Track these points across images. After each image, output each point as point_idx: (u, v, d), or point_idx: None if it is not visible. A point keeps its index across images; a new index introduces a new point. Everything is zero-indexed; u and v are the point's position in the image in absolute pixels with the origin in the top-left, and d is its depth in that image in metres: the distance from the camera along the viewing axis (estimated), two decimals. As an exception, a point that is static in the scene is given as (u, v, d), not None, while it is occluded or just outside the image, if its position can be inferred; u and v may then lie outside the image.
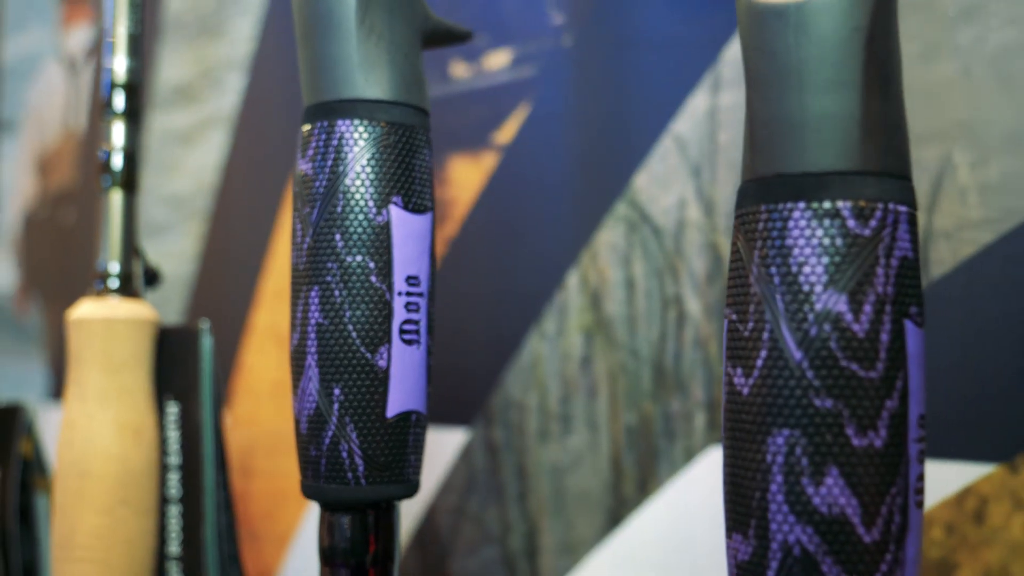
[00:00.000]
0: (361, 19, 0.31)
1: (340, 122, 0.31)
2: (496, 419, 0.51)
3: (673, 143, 0.45)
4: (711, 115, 0.44)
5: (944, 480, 0.38)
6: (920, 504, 0.23)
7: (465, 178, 0.53)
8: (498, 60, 0.52)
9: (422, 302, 0.32)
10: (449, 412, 0.53)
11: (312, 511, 0.59)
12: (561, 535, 0.48)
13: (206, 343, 0.43)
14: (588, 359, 0.47)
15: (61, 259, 0.80)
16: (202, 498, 0.42)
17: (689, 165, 0.45)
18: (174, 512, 0.42)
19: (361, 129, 0.31)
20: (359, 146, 0.31)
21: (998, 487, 0.37)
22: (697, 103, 0.44)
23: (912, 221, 0.23)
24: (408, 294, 0.31)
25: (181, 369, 0.43)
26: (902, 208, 0.23)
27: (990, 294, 0.37)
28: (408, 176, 0.32)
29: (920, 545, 0.23)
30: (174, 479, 0.42)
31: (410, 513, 0.54)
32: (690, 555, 0.44)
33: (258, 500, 0.62)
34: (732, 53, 0.44)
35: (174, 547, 0.42)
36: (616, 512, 0.46)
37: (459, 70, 0.54)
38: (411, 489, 0.32)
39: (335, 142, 0.31)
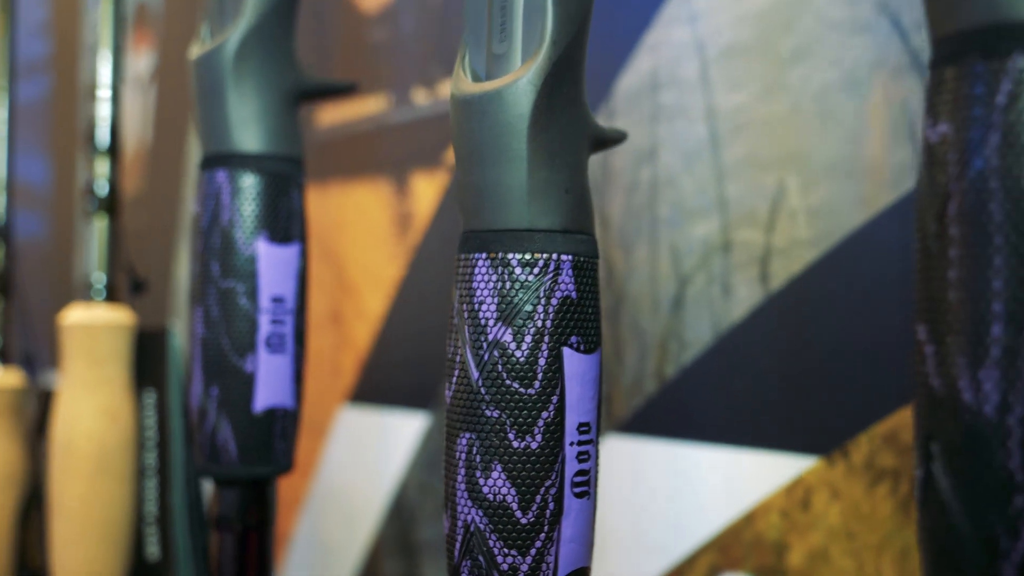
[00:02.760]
0: (234, 85, 0.38)
1: (219, 171, 0.38)
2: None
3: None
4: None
5: (780, 471, 0.43)
6: (581, 495, 0.29)
7: (424, 192, 0.60)
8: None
9: (288, 317, 0.39)
10: (411, 398, 0.60)
11: (307, 511, 0.67)
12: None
13: (175, 342, 0.51)
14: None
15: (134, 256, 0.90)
16: (170, 470, 0.50)
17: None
18: (151, 482, 0.51)
19: (235, 178, 0.38)
20: (233, 192, 0.38)
21: (819, 478, 0.41)
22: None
23: (578, 267, 0.29)
24: (273, 311, 0.38)
25: (156, 363, 0.51)
26: (566, 257, 0.28)
27: (817, 306, 0.42)
28: (275, 215, 0.39)
29: (583, 527, 0.29)
30: (151, 455, 0.51)
31: (383, 488, 0.62)
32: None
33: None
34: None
35: (152, 509, 0.51)
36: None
37: (419, 96, 0.60)
38: (280, 468, 0.39)
39: (215, 189, 0.38)
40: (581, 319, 0.29)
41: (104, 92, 0.51)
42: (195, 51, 0.39)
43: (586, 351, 0.29)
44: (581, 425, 0.29)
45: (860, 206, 0.40)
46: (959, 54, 0.20)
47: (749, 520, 0.44)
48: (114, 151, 0.51)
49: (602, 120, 0.49)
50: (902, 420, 0.39)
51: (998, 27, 0.19)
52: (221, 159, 0.39)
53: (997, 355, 0.19)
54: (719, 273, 0.45)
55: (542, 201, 0.28)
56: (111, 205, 0.51)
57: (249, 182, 0.38)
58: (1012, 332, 0.19)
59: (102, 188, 0.51)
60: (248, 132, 0.39)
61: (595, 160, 0.41)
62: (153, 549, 0.51)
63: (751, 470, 0.44)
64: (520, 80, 0.28)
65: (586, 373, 0.29)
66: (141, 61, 0.90)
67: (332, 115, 0.66)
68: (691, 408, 0.46)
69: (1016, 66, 0.19)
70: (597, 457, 0.30)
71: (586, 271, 0.29)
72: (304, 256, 0.40)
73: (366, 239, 0.64)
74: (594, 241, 0.29)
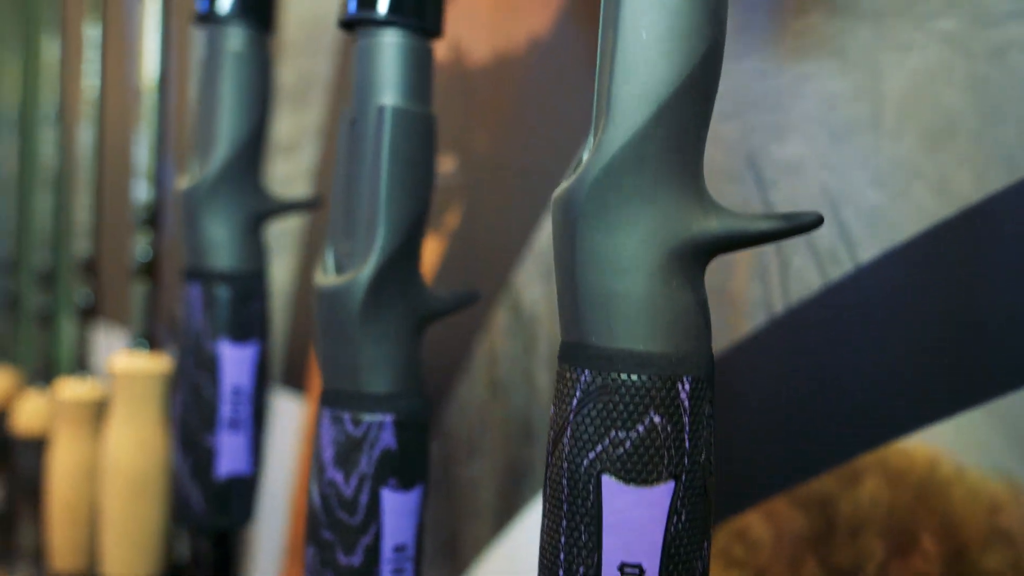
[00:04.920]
0: (210, 215, 0.47)
1: (195, 284, 0.48)
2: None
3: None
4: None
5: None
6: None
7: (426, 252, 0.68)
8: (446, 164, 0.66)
9: (244, 404, 0.48)
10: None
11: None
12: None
13: (201, 385, 0.61)
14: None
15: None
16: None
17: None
18: (182, 498, 0.62)
19: (207, 291, 0.48)
20: (205, 303, 0.48)
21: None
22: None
23: (399, 423, 0.36)
24: (233, 399, 0.48)
25: (186, 402, 0.62)
26: (388, 417, 0.36)
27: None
28: (236, 321, 0.48)
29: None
30: (181, 476, 0.62)
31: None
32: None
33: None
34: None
35: (182, 521, 0.62)
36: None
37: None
38: (236, 523, 0.49)
39: (192, 298, 0.48)
40: (400, 465, 0.37)
41: (146, 174, 0.61)
42: (184, 183, 0.48)
43: (404, 488, 0.37)
44: (397, 547, 0.37)
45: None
46: (564, 358, 0.26)
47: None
48: (155, 222, 0.61)
49: (550, 225, 0.55)
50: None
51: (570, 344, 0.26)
52: (197, 273, 0.48)
53: None
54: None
55: (370, 372, 0.36)
56: (151, 269, 0.61)
57: (218, 294, 0.48)
58: None
59: (145, 254, 0.61)
60: (221, 252, 0.48)
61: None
62: (182, 552, 0.62)
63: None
64: (352, 281, 0.36)
65: (404, 505, 0.37)
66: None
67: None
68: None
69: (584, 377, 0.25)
70: (416, 567, 0.38)
71: (407, 426, 0.37)
72: (262, 352, 0.49)
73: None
74: (419, 399, 0.37)
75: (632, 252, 0.24)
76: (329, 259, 0.37)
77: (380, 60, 0.36)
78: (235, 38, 0.47)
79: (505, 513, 0.61)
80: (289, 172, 0.88)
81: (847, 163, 0.40)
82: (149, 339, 0.62)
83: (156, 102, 0.63)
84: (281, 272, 0.75)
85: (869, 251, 0.39)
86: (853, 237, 0.40)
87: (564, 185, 0.26)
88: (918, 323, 0.38)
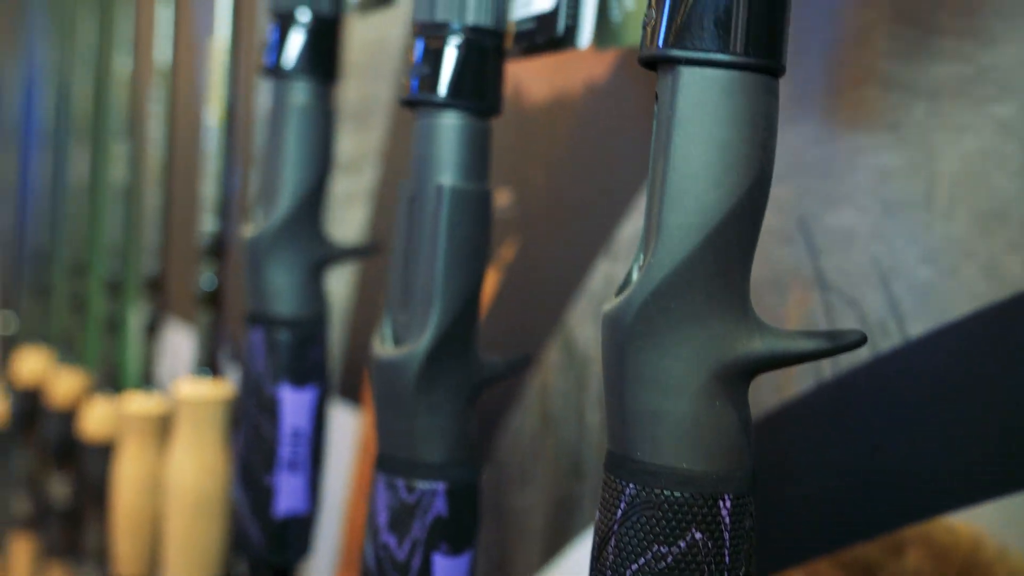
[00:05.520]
0: (274, 263, 0.49)
1: (257, 329, 0.50)
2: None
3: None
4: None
5: None
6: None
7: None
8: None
9: (303, 446, 0.50)
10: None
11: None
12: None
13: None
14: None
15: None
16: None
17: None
18: (241, 519, 0.64)
19: (269, 335, 0.49)
20: (267, 347, 0.49)
21: None
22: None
23: (451, 492, 0.38)
24: (292, 441, 0.50)
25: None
26: (441, 486, 0.37)
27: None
28: (296, 366, 0.50)
29: None
30: (241, 498, 0.64)
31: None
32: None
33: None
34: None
35: (241, 541, 0.64)
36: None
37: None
38: (292, 560, 0.51)
39: (253, 343, 0.50)
40: (451, 531, 0.38)
41: (212, 208, 0.63)
42: (248, 231, 0.50)
43: (455, 553, 0.38)
44: None
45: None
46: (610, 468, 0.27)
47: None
48: (220, 253, 0.63)
49: (604, 265, 0.56)
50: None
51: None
52: (259, 319, 0.50)
53: None
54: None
55: (424, 441, 0.38)
56: (215, 298, 0.63)
57: (280, 339, 0.49)
58: None
59: (209, 283, 0.63)
60: (283, 299, 0.49)
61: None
62: (241, 569, 0.64)
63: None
64: (409, 353, 0.37)
65: (454, 569, 0.38)
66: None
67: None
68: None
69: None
70: None
71: (459, 494, 0.38)
72: (321, 396, 0.51)
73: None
74: (471, 468, 0.38)
75: (679, 373, 0.25)
76: (387, 329, 0.38)
77: (440, 140, 0.37)
78: (300, 93, 0.48)
79: (555, 542, 0.62)
80: (350, 190, 0.90)
81: (899, 237, 0.40)
82: (212, 366, 0.64)
83: (223, 142, 0.65)
84: (339, 286, 0.76)
85: (919, 326, 0.39)
86: (903, 311, 0.40)
87: (613, 303, 0.26)
88: (966, 402, 0.38)
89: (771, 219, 0.46)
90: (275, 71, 0.49)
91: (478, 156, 0.37)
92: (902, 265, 0.40)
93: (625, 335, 0.26)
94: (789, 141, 0.45)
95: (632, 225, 0.55)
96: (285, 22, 0.48)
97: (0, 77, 1.50)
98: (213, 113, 0.65)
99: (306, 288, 0.50)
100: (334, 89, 0.51)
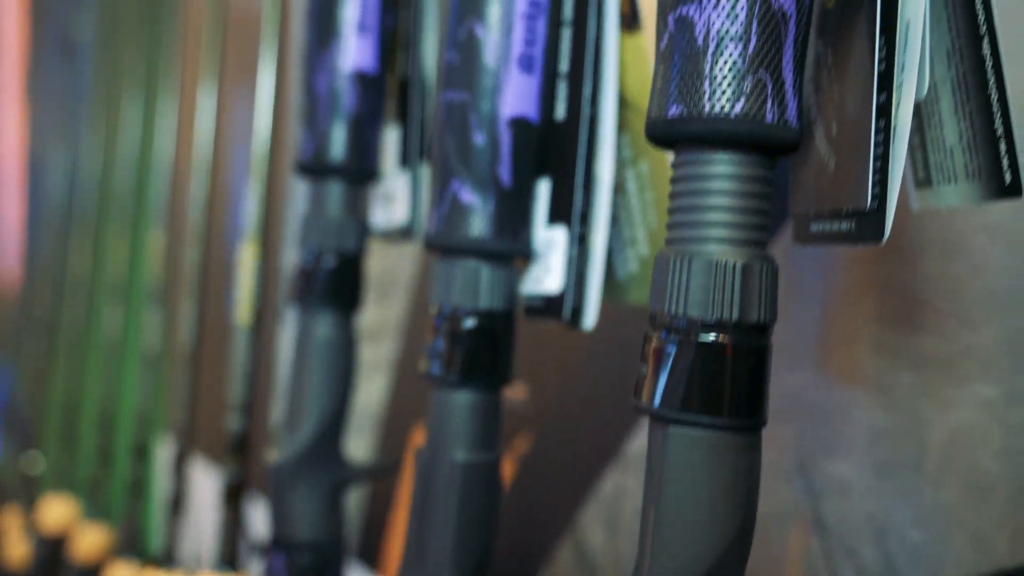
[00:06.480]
0: (302, 484, 0.51)
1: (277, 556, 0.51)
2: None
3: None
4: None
5: None
6: None
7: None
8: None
9: None
10: None
11: None
12: None
13: None
14: None
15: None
16: None
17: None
18: None
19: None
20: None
21: None
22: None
23: None
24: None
25: None
26: None
27: None
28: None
29: None
30: None
31: None
32: None
33: None
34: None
35: None
36: None
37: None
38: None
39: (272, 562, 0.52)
40: None
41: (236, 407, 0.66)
42: (273, 456, 0.52)
43: None
44: None
45: None
46: None
47: None
48: (243, 450, 0.66)
49: (615, 475, 0.58)
50: None
51: None
52: (281, 543, 0.52)
53: None
54: None
55: None
56: (237, 492, 0.65)
57: (300, 562, 0.51)
58: None
59: (234, 478, 0.66)
60: (304, 523, 0.51)
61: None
62: None
63: None
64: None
65: None
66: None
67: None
68: None
69: None
70: None
71: None
72: None
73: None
74: None
75: None
76: None
77: (454, 415, 0.39)
78: (323, 325, 0.51)
79: None
80: (369, 359, 0.92)
81: (891, 496, 0.42)
82: (232, 563, 0.66)
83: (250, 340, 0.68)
84: (359, 452, 0.78)
85: (915, 587, 0.41)
86: (897, 568, 0.42)
87: None
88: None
89: (771, 456, 0.48)
90: (302, 302, 0.52)
91: (490, 427, 0.40)
92: (895, 525, 0.42)
93: None
94: (787, 384, 0.47)
95: (641, 440, 0.57)
96: (314, 261, 0.51)
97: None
98: (242, 314, 0.68)
99: (326, 512, 0.52)
100: (356, 317, 0.54)
